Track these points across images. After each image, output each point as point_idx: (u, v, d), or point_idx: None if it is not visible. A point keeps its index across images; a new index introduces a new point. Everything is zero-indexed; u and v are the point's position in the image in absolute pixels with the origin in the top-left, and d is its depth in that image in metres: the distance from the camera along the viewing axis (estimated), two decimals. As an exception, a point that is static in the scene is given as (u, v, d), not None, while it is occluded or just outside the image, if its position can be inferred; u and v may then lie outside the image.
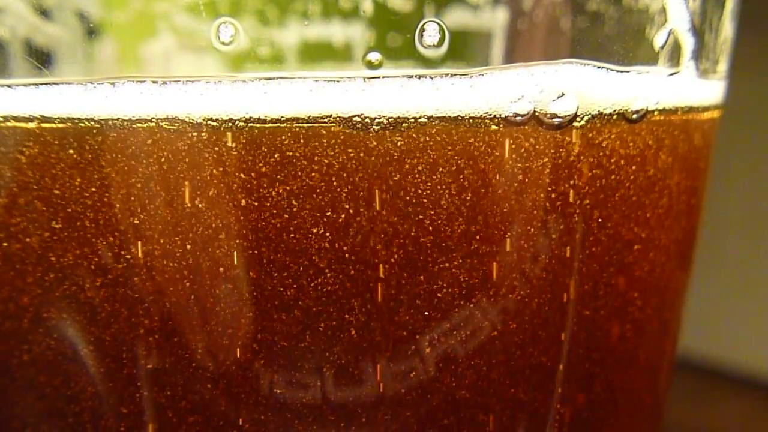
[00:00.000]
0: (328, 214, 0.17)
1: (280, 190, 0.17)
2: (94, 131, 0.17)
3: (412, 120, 0.17)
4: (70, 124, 0.17)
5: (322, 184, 0.17)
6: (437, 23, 0.17)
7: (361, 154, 0.17)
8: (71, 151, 0.17)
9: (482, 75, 0.17)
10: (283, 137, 0.17)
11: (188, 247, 0.17)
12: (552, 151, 0.18)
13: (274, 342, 0.18)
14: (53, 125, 0.17)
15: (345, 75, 0.17)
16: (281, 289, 0.17)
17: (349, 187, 0.17)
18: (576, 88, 0.18)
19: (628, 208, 0.19)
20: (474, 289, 0.18)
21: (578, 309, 0.19)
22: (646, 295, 0.21)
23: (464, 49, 0.30)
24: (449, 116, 0.17)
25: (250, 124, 0.17)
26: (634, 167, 0.19)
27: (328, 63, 0.32)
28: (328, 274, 0.17)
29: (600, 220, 0.19)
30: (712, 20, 0.21)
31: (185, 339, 0.18)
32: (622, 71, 0.18)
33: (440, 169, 0.17)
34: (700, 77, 0.21)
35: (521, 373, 0.19)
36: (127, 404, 0.18)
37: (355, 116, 0.17)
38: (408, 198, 0.17)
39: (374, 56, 0.18)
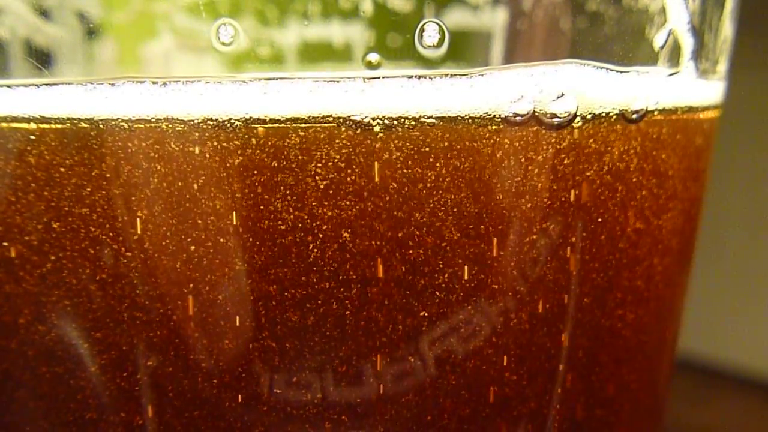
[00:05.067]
0: (328, 213, 0.17)
1: (280, 190, 0.17)
2: (94, 131, 0.17)
3: (412, 120, 0.17)
4: (69, 124, 0.17)
5: (322, 183, 0.17)
6: (437, 23, 0.17)
7: (361, 155, 0.17)
8: (71, 152, 0.17)
9: (482, 75, 0.17)
10: (283, 137, 0.17)
11: (188, 246, 0.17)
12: (552, 151, 0.18)
13: (274, 341, 0.18)
14: (53, 125, 0.17)
15: (345, 75, 0.17)
16: (281, 288, 0.17)
17: (349, 186, 0.17)
18: (576, 88, 0.18)
19: (627, 208, 0.19)
20: (474, 288, 0.18)
21: (578, 308, 0.19)
22: (645, 295, 0.21)
23: (464, 50, 0.30)
24: (449, 116, 0.17)
25: (250, 125, 0.17)
26: (633, 167, 0.19)
27: (328, 63, 0.32)
28: (328, 274, 0.17)
29: (599, 219, 0.19)
30: (712, 20, 0.21)
31: (186, 339, 0.18)
32: (621, 71, 0.18)
33: (440, 169, 0.17)
34: (699, 77, 0.21)
35: (520, 373, 0.19)
36: (127, 403, 0.18)
37: (354, 116, 0.17)
38: (408, 198, 0.17)
39: (374, 56, 0.18)
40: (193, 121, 0.17)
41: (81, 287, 0.18)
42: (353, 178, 0.17)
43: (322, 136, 0.17)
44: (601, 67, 0.18)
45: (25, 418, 0.19)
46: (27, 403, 0.19)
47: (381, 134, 0.17)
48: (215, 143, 0.17)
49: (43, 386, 0.19)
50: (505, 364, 0.19)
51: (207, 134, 0.17)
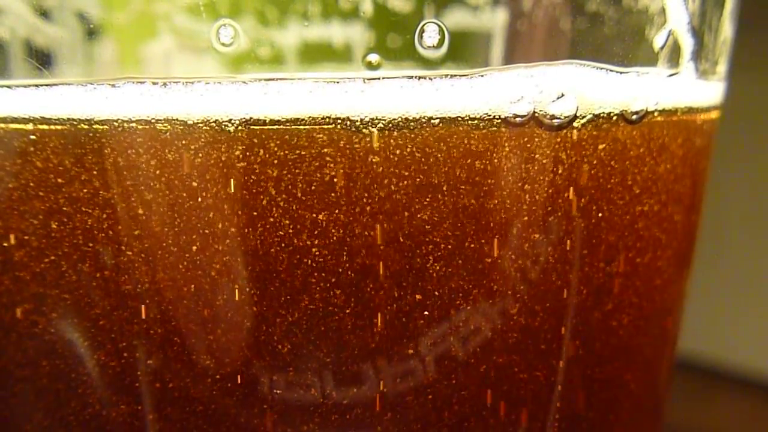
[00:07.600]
0: (328, 214, 0.17)
1: (280, 191, 0.17)
2: (94, 132, 0.17)
3: (412, 121, 0.17)
4: (69, 125, 0.17)
5: (322, 184, 0.17)
6: (437, 24, 0.17)
7: (361, 155, 0.17)
8: (71, 152, 0.17)
9: (482, 76, 0.17)
10: (283, 138, 0.17)
11: (188, 246, 0.17)
12: (552, 151, 0.18)
13: (273, 342, 0.18)
14: (53, 126, 0.17)
15: (345, 76, 0.17)
16: (280, 289, 0.17)
17: (349, 187, 0.17)
18: (576, 88, 0.18)
19: (627, 208, 0.19)
20: (474, 289, 0.18)
21: (578, 309, 0.19)
22: (645, 296, 0.21)
23: (464, 50, 0.30)
24: (449, 117, 0.17)
25: (250, 125, 0.17)
26: (633, 168, 0.19)
27: (328, 64, 0.32)
28: (328, 275, 0.17)
29: (599, 220, 0.19)
30: (712, 21, 0.21)
31: (185, 339, 0.18)
32: (621, 72, 0.18)
33: (440, 170, 0.17)
34: (699, 78, 0.21)
35: (521, 373, 0.19)
36: (127, 403, 0.18)
37: (354, 117, 0.17)
38: (408, 198, 0.17)
39: (374, 57, 0.18)
40: (193, 121, 0.17)
41: (80, 286, 0.18)
42: (353, 178, 0.17)
43: (322, 136, 0.17)
44: (601, 68, 0.18)
45: (25, 414, 0.19)
46: (27, 399, 0.19)
47: (381, 135, 0.17)
48: (215, 144, 0.17)
49: (42, 382, 0.19)
50: (504, 364, 0.19)
51: (207, 135, 0.17)
